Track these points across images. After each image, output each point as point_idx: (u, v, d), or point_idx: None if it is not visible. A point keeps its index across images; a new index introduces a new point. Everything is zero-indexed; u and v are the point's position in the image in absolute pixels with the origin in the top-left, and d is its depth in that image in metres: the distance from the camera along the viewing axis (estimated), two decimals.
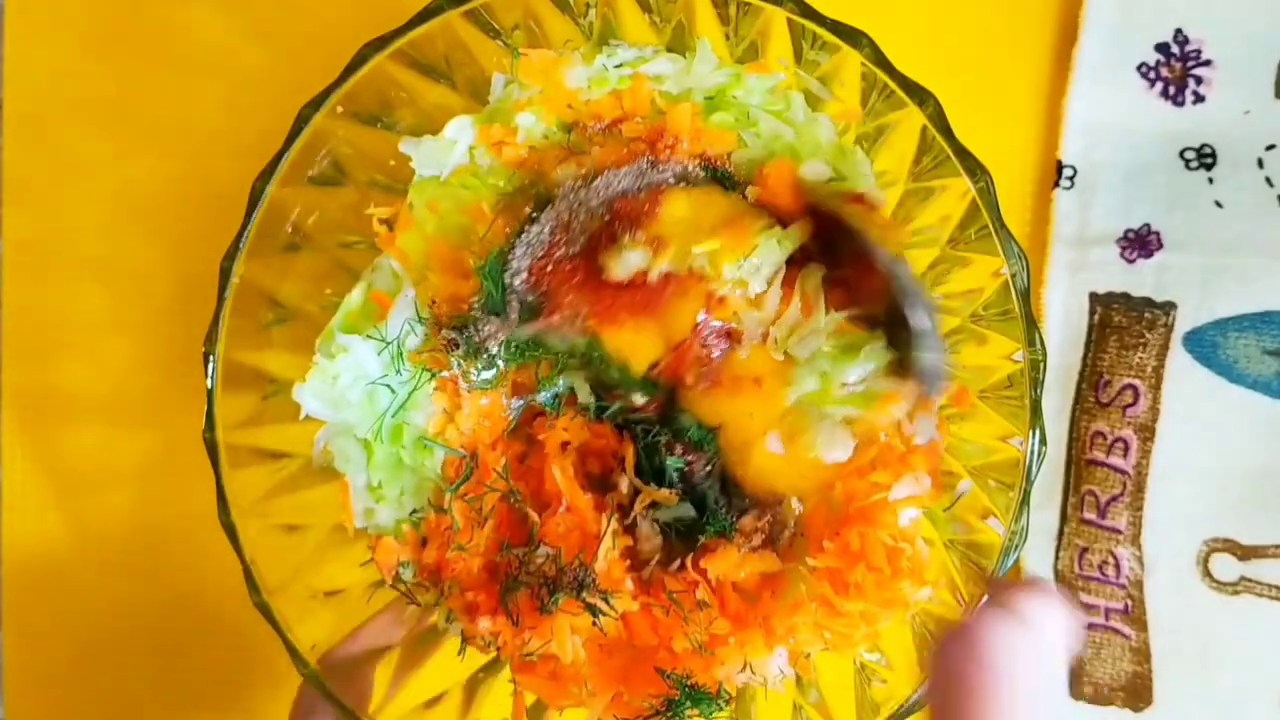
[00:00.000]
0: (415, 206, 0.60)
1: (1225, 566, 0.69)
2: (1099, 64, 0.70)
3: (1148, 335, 0.69)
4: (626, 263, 0.56)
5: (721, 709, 0.59)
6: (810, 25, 0.55)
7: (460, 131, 0.59)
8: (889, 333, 0.56)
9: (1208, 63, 0.69)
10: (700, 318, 0.56)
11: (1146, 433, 0.69)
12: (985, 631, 0.45)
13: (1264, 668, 0.69)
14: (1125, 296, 0.70)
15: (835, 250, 0.57)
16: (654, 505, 0.59)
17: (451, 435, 0.60)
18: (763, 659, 0.58)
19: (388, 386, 0.60)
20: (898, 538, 0.57)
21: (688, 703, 0.57)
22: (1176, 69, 0.69)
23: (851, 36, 0.54)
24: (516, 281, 0.58)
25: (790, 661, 0.59)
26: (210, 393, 0.57)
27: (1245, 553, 0.69)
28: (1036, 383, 0.56)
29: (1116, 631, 0.70)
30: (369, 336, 0.59)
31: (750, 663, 0.58)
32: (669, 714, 0.58)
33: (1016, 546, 0.56)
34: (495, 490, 0.60)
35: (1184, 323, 0.69)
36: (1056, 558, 0.71)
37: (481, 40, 0.60)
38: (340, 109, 0.57)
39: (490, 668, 0.64)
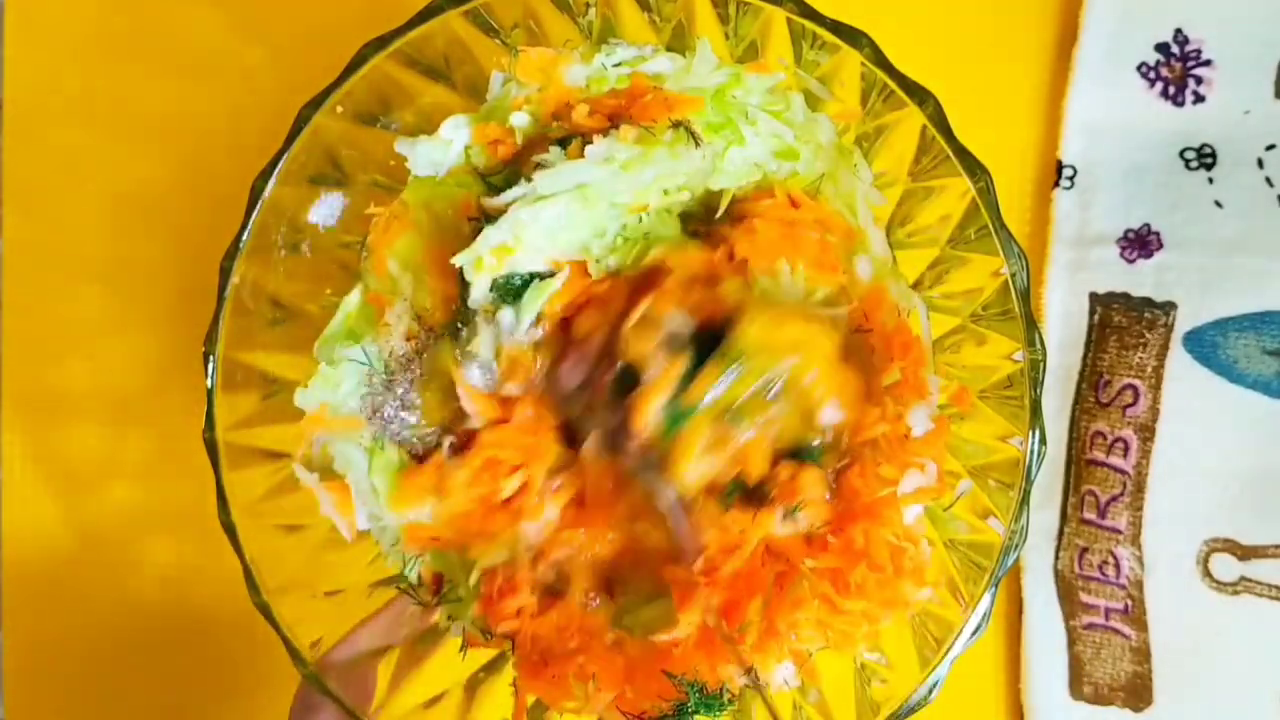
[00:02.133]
0: (411, 207, 0.60)
1: (1225, 566, 0.69)
2: (1099, 64, 0.70)
3: (1148, 335, 0.69)
4: None
5: (724, 709, 0.59)
6: (810, 25, 0.55)
7: (456, 130, 0.59)
8: None
9: (1208, 63, 0.69)
10: None
11: (1146, 433, 0.69)
12: None
13: (1264, 668, 0.69)
14: (1125, 296, 0.70)
15: None
16: None
17: None
18: (769, 669, 0.58)
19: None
20: (901, 536, 0.57)
21: (698, 708, 0.57)
22: (1176, 69, 0.69)
23: (851, 36, 0.54)
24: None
25: (796, 669, 0.59)
26: (210, 393, 0.57)
27: (1245, 553, 0.69)
28: (1036, 383, 0.56)
29: (1116, 631, 0.70)
30: (368, 344, 0.59)
31: (756, 670, 0.58)
32: (676, 717, 0.58)
33: (1016, 546, 0.56)
34: None
35: (1184, 323, 0.69)
36: (1056, 558, 0.71)
37: (481, 39, 0.60)
38: (340, 109, 0.57)
39: (490, 667, 0.64)
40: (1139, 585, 0.70)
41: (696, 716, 0.57)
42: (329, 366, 0.59)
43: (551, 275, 0.57)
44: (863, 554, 0.56)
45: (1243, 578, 0.69)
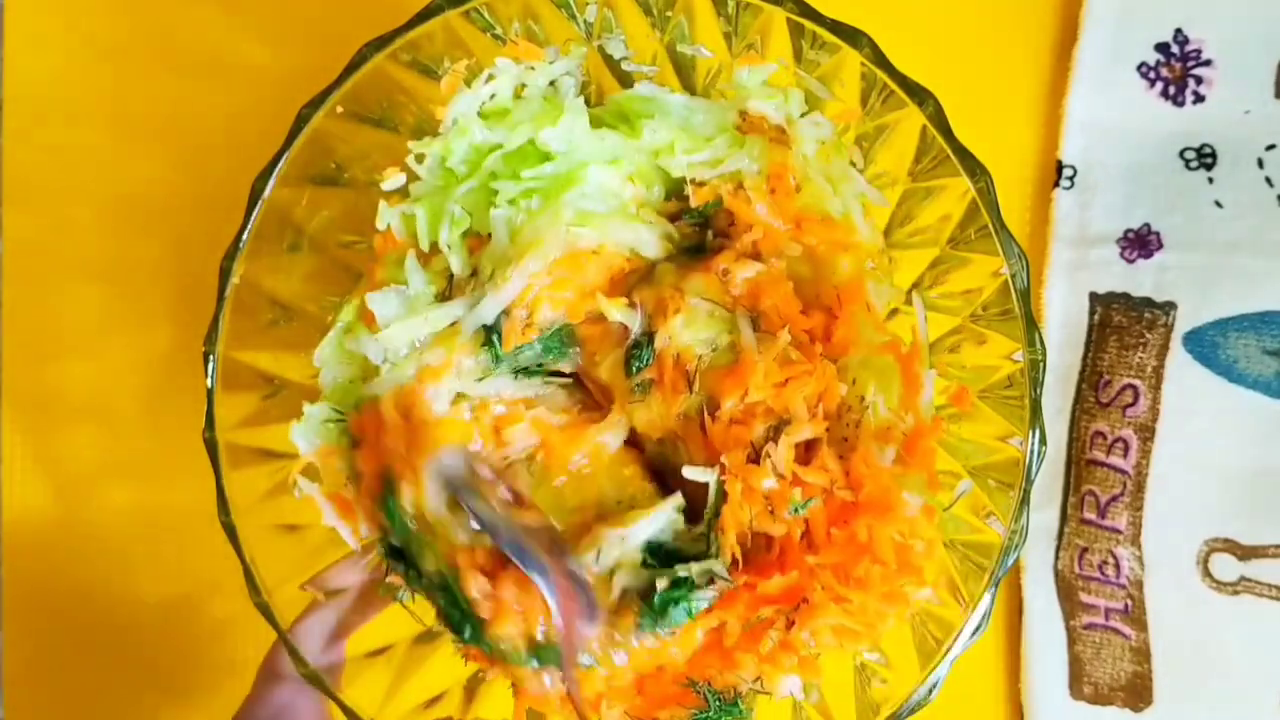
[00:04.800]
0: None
1: (1225, 566, 0.69)
2: (1099, 64, 0.70)
3: (1148, 335, 0.69)
4: None
5: (743, 715, 0.59)
6: (810, 25, 0.55)
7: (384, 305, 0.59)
8: None
9: (1208, 63, 0.69)
10: None
11: (1146, 433, 0.69)
12: None
13: (1264, 668, 0.69)
14: (1125, 296, 0.70)
15: None
16: None
17: None
18: (777, 680, 0.58)
19: None
20: (906, 534, 0.57)
21: (718, 715, 0.57)
22: (1176, 69, 0.69)
23: (851, 36, 0.54)
24: None
25: (803, 681, 0.59)
26: (210, 393, 0.57)
27: (1245, 553, 0.69)
28: (1036, 383, 0.56)
29: (1116, 631, 0.70)
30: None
31: (763, 680, 0.58)
32: None
33: (1016, 546, 0.56)
34: None
35: (1184, 323, 0.69)
36: (1056, 558, 0.71)
37: (481, 39, 0.60)
38: (340, 109, 0.57)
39: None
40: (1139, 585, 0.70)
41: None
42: (317, 406, 0.59)
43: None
44: (866, 548, 0.56)
45: (1243, 578, 0.69)
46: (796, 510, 0.56)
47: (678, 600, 0.56)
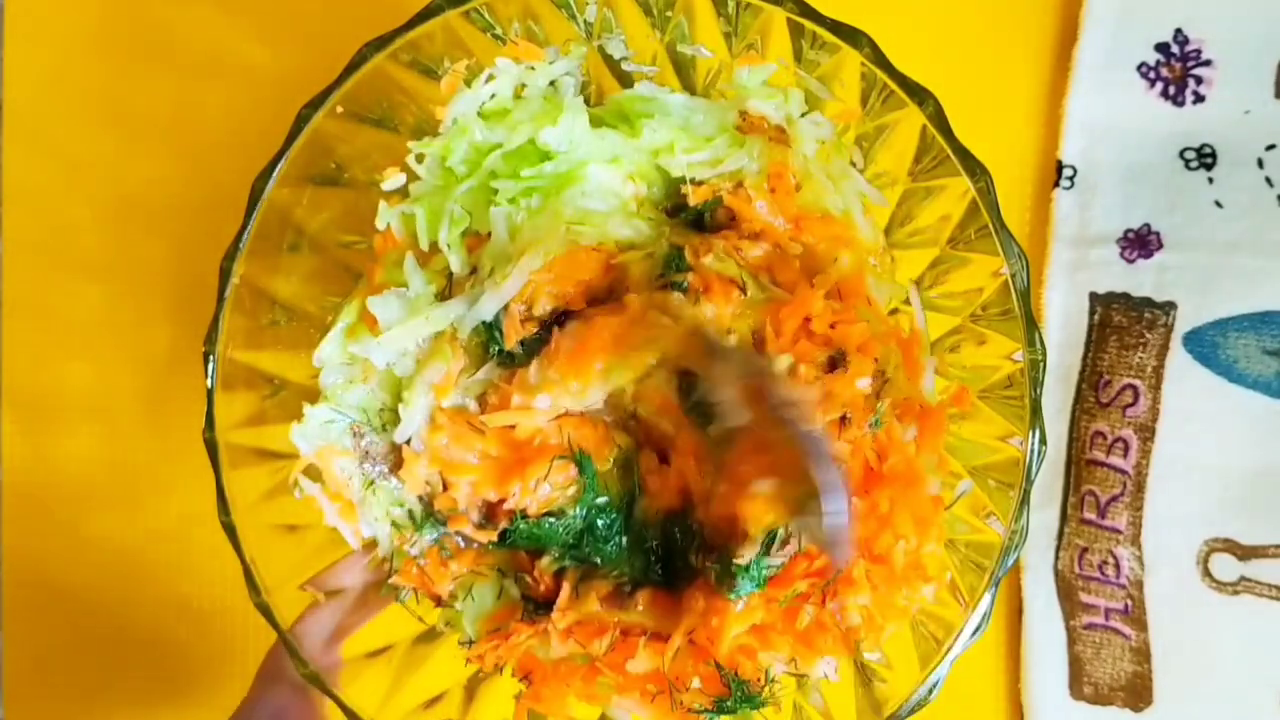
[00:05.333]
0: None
1: (1225, 566, 0.69)
2: (1099, 64, 0.70)
3: (1148, 335, 0.69)
4: None
5: (763, 705, 0.58)
6: (810, 25, 0.55)
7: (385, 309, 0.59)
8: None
9: (1208, 63, 0.69)
10: None
11: (1146, 433, 0.69)
12: None
13: (1264, 668, 0.69)
14: (1125, 296, 0.70)
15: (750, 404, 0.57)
16: None
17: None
18: (813, 663, 0.58)
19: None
20: (925, 508, 0.56)
21: (738, 704, 0.57)
22: (1176, 69, 0.69)
23: (851, 36, 0.55)
24: None
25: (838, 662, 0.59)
26: (210, 393, 0.57)
27: (1245, 553, 0.69)
28: (1036, 382, 0.56)
29: (1116, 631, 0.70)
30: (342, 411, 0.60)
31: (798, 660, 0.58)
32: (717, 713, 0.57)
33: (1016, 546, 0.56)
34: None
35: (1184, 323, 0.69)
36: (1056, 558, 0.71)
37: (481, 39, 0.60)
38: (340, 109, 0.57)
39: None
40: (1139, 585, 0.70)
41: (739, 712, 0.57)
42: (317, 408, 0.60)
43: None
44: (888, 520, 0.55)
45: (1243, 578, 0.69)
46: (874, 424, 0.55)
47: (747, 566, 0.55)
